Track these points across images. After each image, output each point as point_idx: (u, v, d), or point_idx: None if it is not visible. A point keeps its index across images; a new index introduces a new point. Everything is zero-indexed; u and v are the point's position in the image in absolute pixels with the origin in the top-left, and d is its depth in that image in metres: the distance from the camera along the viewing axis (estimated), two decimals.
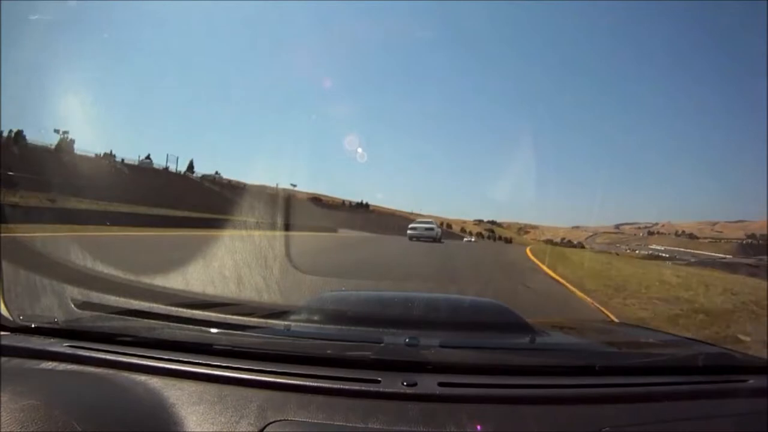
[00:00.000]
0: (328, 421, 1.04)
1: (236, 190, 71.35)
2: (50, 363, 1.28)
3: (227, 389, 1.16)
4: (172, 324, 1.61)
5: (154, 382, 1.19)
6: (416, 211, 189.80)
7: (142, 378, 1.21)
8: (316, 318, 1.88)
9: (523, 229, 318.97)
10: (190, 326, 1.58)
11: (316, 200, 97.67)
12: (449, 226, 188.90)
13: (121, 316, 1.71)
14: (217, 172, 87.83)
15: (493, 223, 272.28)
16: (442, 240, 28.99)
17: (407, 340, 1.42)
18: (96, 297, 3.15)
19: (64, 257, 6.49)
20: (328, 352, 1.36)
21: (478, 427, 1.05)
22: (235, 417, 1.04)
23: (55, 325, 1.50)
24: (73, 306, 1.78)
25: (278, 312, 2.17)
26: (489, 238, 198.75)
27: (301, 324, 1.79)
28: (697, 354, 1.47)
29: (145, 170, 56.39)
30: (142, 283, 4.91)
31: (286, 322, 1.81)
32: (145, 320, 1.67)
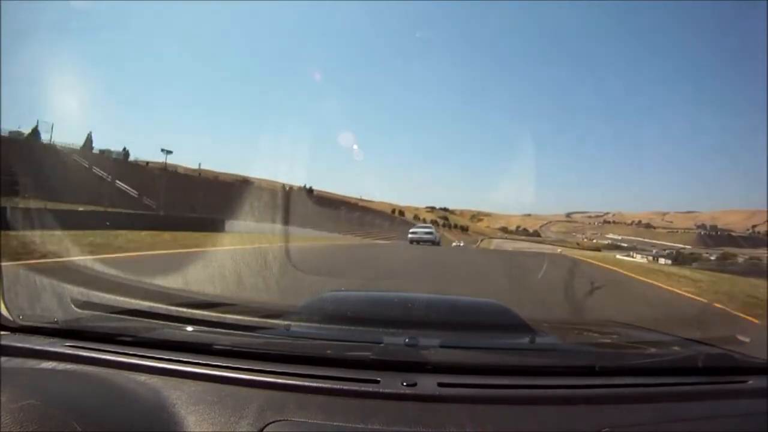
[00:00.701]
0: (328, 422, 1.04)
1: (133, 169, 55.29)
2: (50, 363, 1.29)
3: (227, 389, 1.16)
4: (172, 324, 1.61)
5: (154, 382, 1.19)
6: (366, 197, 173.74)
7: (142, 378, 1.21)
8: (316, 318, 1.88)
9: (476, 217, 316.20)
10: (190, 326, 1.58)
11: (244, 182, 78.25)
12: (402, 213, 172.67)
13: (121, 316, 1.71)
14: (125, 149, 67.85)
15: (445, 210, 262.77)
16: (440, 243, 28.79)
17: (407, 340, 1.43)
18: (96, 297, 3.10)
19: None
20: (328, 352, 1.37)
21: (478, 428, 1.05)
22: (234, 417, 1.04)
23: (55, 325, 1.51)
24: (73, 306, 1.78)
25: (278, 312, 2.18)
26: (444, 225, 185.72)
27: (301, 324, 1.80)
28: (697, 355, 1.45)
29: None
30: (142, 282, 4.93)
31: (286, 322, 1.82)
32: (145, 320, 1.67)
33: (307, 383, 1.17)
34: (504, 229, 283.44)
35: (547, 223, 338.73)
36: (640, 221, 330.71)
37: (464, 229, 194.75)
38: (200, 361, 1.28)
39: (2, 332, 1.47)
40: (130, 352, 1.33)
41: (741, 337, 1.98)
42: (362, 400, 1.13)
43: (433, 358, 1.32)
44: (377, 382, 1.19)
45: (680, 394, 1.28)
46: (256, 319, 1.90)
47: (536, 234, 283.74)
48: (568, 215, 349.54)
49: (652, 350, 1.75)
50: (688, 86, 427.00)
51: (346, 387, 1.16)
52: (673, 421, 1.16)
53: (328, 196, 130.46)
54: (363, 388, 1.16)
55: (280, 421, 1.03)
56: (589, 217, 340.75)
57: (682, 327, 4.80)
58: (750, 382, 1.36)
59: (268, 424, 1.01)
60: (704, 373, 1.37)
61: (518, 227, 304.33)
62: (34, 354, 1.33)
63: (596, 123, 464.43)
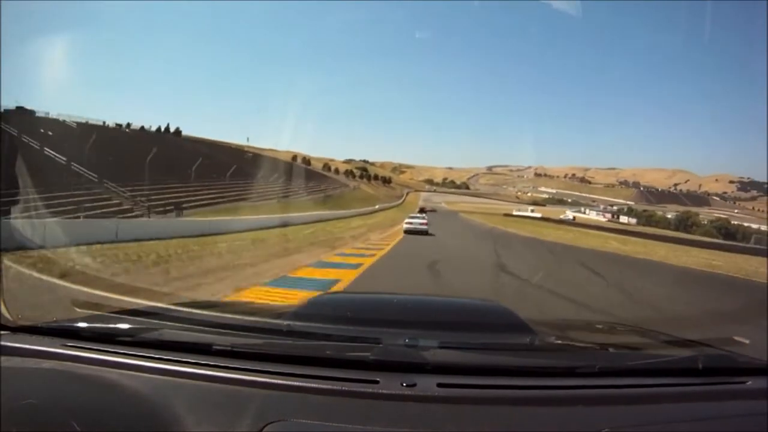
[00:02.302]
0: (328, 422, 1.03)
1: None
2: (50, 363, 1.28)
3: (227, 389, 1.16)
4: (171, 324, 1.61)
5: (154, 382, 1.18)
6: (262, 146, 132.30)
7: (141, 378, 1.20)
8: (315, 319, 1.85)
9: (398, 169, 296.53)
10: (190, 326, 1.59)
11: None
12: (308, 162, 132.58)
13: (121, 316, 1.70)
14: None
15: (365, 162, 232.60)
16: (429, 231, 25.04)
17: (406, 341, 1.42)
18: (96, 297, 3.26)
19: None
20: (328, 352, 1.37)
21: (478, 429, 1.06)
22: (234, 417, 1.04)
23: (55, 325, 1.51)
24: (73, 306, 1.78)
25: (278, 312, 2.15)
26: (362, 177, 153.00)
27: (301, 325, 1.76)
28: (697, 356, 1.45)
29: None
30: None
31: (285, 323, 1.77)
32: (145, 320, 1.67)
33: (306, 384, 1.16)
34: (429, 182, 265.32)
35: (474, 176, 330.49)
36: (573, 174, 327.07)
37: (386, 181, 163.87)
38: (200, 362, 1.27)
39: (2, 332, 1.46)
40: (130, 353, 1.32)
41: (740, 339, 1.89)
42: (362, 401, 1.12)
43: (432, 359, 1.31)
44: (377, 382, 1.18)
45: (680, 395, 1.27)
46: (256, 320, 1.88)
47: (465, 186, 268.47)
48: (490, 168, 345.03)
49: (652, 351, 1.76)
50: (610, 44, 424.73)
51: (345, 387, 1.15)
52: (674, 422, 1.15)
53: (205, 143, 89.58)
54: (362, 389, 1.15)
55: (279, 421, 1.02)
56: (510, 170, 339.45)
57: (682, 328, 4.65)
58: (749, 383, 1.35)
59: (267, 424, 1.00)
60: (704, 374, 1.36)
61: (445, 179, 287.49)
62: (33, 354, 1.32)
63: (517, 77, 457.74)
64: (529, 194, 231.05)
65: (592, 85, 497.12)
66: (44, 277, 6.20)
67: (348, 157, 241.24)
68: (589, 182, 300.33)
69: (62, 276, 6.54)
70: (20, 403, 1.01)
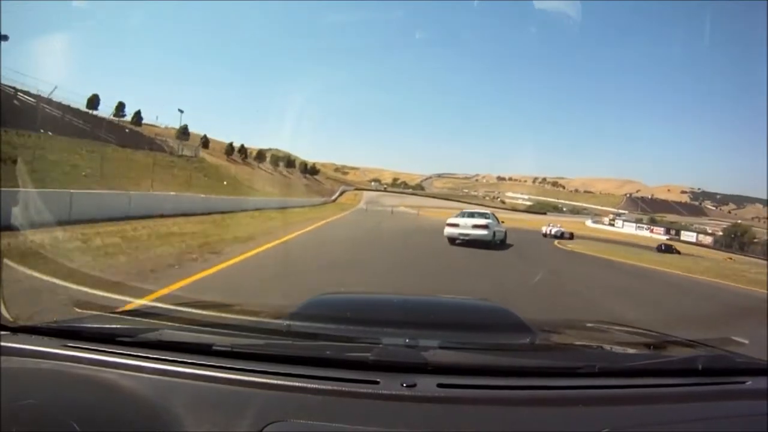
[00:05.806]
0: (327, 422, 1.03)
1: None
2: (50, 363, 1.28)
3: (226, 390, 1.16)
4: (171, 324, 1.61)
5: (154, 382, 1.19)
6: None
7: (141, 378, 1.20)
8: (315, 319, 1.85)
9: (340, 170, 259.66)
10: (190, 326, 1.60)
11: None
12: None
13: (121, 316, 1.71)
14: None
15: (307, 163, 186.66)
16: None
17: (406, 341, 1.43)
18: (96, 297, 3.09)
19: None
20: (327, 353, 1.37)
21: (478, 429, 1.06)
22: (234, 418, 1.04)
23: (55, 325, 1.50)
24: (73, 306, 1.79)
25: (278, 313, 2.18)
26: (259, 158, 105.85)
27: (301, 325, 1.77)
28: (697, 356, 1.46)
29: None
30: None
31: (285, 323, 1.80)
32: (145, 320, 1.67)
33: (306, 384, 1.16)
34: (378, 181, 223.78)
35: (428, 178, 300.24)
36: (544, 179, 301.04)
37: (309, 172, 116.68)
38: (199, 362, 1.27)
39: (2, 332, 1.46)
40: (130, 353, 1.32)
41: (739, 339, 1.98)
42: (362, 401, 1.12)
43: (432, 359, 1.31)
44: (377, 383, 1.18)
45: (680, 396, 1.28)
46: (256, 320, 1.90)
47: (420, 188, 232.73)
48: (439, 176, 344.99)
49: (652, 351, 1.76)
50: (563, 58, 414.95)
51: (345, 388, 1.16)
52: (673, 423, 1.16)
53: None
54: (362, 389, 1.16)
55: (279, 421, 1.02)
56: (458, 178, 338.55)
57: (682, 328, 4.72)
58: (749, 383, 1.36)
59: (267, 425, 1.00)
60: (704, 374, 1.36)
61: (395, 180, 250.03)
62: (33, 354, 1.32)
63: (470, 87, 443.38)
64: (499, 200, 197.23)
65: (542, 98, 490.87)
66: None
67: (274, 146, 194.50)
68: (563, 187, 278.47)
69: None
70: (20, 404, 1.01)
